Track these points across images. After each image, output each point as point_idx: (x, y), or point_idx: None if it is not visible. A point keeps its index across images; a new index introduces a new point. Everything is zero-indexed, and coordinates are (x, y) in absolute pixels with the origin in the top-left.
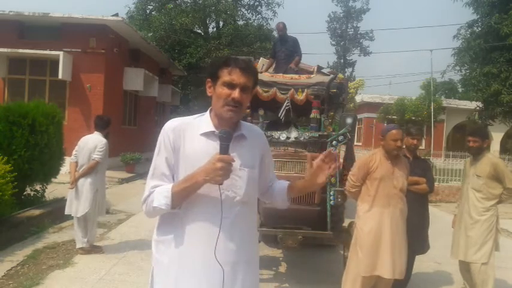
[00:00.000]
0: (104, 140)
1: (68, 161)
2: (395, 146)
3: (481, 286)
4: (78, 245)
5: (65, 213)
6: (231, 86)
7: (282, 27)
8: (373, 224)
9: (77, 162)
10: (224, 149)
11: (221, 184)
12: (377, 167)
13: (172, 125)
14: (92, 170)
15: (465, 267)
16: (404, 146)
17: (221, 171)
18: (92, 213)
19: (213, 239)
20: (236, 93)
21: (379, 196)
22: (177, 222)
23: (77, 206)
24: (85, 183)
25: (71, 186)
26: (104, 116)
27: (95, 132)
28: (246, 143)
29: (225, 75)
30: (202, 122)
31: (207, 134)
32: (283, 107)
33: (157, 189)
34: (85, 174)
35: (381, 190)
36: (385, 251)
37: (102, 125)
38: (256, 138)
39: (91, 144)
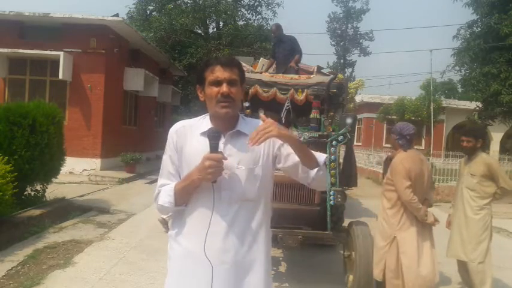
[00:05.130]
0: None
1: (68, 161)
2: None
3: (480, 285)
4: None
5: None
6: (217, 83)
7: (275, 30)
8: None
9: None
10: (213, 148)
11: (214, 182)
12: None
13: (176, 127)
14: None
15: (463, 267)
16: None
17: (210, 169)
18: None
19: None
20: (224, 88)
21: None
22: (180, 218)
23: None
24: None
25: None
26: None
27: None
28: (246, 140)
29: (209, 75)
30: (204, 122)
31: (205, 133)
32: (284, 107)
33: (164, 188)
34: None
35: None
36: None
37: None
38: None
39: None
